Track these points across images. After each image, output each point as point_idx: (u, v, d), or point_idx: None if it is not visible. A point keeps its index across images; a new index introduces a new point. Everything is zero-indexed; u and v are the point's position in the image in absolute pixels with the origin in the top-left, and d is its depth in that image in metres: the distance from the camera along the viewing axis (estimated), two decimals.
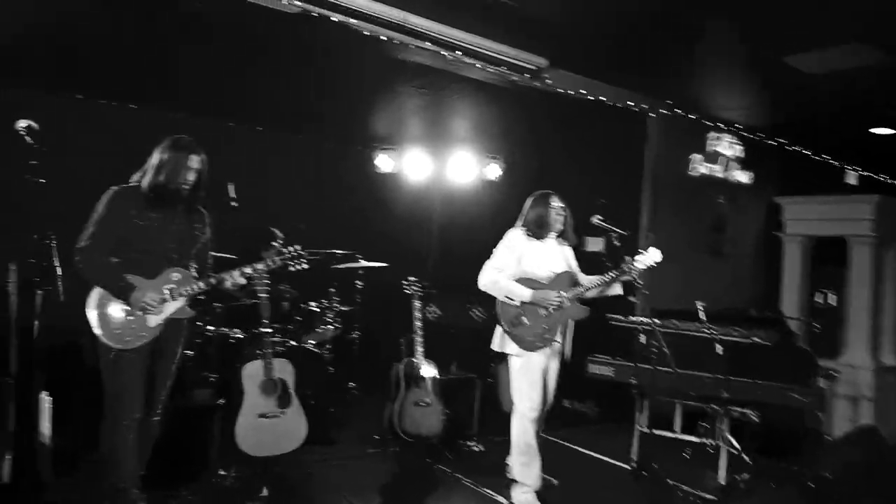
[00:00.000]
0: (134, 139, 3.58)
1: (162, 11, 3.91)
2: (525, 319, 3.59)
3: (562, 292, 3.60)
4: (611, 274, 3.64)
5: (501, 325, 3.65)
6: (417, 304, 4.51)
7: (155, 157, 2.96)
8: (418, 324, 4.44)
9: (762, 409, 4.27)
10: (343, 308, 5.25)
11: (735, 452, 4.26)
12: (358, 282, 5.49)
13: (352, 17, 4.08)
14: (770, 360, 4.42)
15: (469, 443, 4.73)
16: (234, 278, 3.05)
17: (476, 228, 6.73)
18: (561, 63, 4.97)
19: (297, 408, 3.75)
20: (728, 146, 6.28)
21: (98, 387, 2.87)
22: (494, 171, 6.82)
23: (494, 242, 6.01)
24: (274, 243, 4.95)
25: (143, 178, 2.95)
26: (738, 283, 6.67)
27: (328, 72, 4.99)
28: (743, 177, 6.48)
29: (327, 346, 5.04)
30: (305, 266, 3.14)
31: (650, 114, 5.78)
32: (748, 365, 4.29)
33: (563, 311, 3.62)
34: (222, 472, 3.64)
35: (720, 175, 6.30)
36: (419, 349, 4.37)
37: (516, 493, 3.67)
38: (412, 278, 4.55)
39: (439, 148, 6.77)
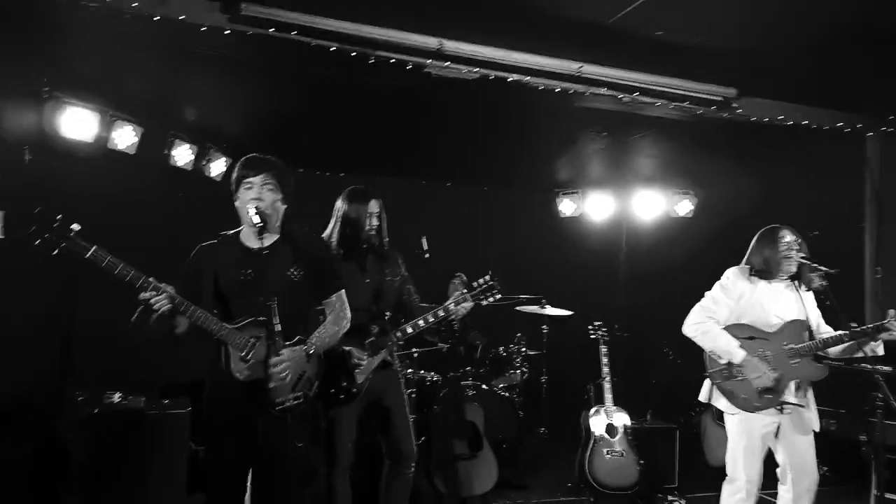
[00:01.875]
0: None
1: (358, 91, 4.46)
2: (739, 375, 3.14)
3: (789, 345, 3.12)
4: (864, 328, 2.97)
5: (710, 377, 3.25)
6: (604, 349, 4.43)
7: (338, 211, 3.17)
8: (606, 369, 4.35)
9: None
10: (530, 353, 5.33)
11: None
12: (544, 327, 5.54)
13: (525, 75, 4.28)
14: None
15: (670, 497, 4.46)
16: (467, 305, 3.01)
17: (666, 270, 6.47)
18: (751, 90, 4.67)
19: (488, 450, 3.87)
20: None
21: None
22: (685, 206, 6.51)
23: (686, 281, 5.71)
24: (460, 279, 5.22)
25: (331, 234, 3.16)
26: None
27: (509, 127, 5.24)
28: None
29: (516, 390, 5.14)
30: (497, 297, 3.05)
31: (867, 133, 5.13)
32: None
33: (793, 368, 3.12)
34: None
35: None
36: (608, 396, 4.27)
37: None
38: (597, 322, 4.49)
39: (623, 188, 6.66)
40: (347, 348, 2.94)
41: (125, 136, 4.46)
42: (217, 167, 5.26)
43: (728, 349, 3.13)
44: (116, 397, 3.79)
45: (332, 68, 3.99)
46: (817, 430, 3.23)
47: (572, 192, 6.74)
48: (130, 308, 2.85)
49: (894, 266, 5.12)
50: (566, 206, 6.75)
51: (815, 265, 3.11)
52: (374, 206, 3.14)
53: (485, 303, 3.06)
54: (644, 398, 5.47)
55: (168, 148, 4.86)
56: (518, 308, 5.32)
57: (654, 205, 6.54)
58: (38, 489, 3.59)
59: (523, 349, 5.25)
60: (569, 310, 5.34)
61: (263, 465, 2.45)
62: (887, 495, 4.00)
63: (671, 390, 5.52)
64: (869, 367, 2.76)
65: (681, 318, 5.74)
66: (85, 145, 4.17)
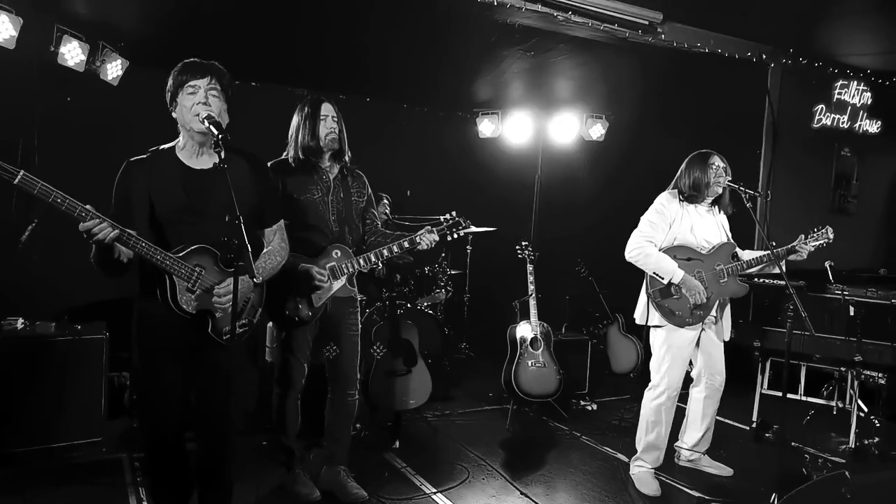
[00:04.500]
0: (256, 115, 3.69)
1: None
2: (677, 293, 3.34)
3: (721, 266, 3.37)
4: (780, 250, 3.33)
5: (650, 297, 3.41)
6: (530, 268, 4.58)
7: (292, 127, 3.00)
8: (532, 287, 4.52)
9: (891, 372, 4.08)
10: (454, 272, 5.42)
11: (863, 416, 4.12)
12: (468, 247, 5.62)
13: None
14: None
15: (582, 402, 4.84)
16: (407, 245, 2.94)
17: (580, 190, 6.71)
18: (676, 16, 4.79)
19: (422, 366, 3.96)
20: (856, 94, 5.85)
21: None
22: (598, 130, 6.71)
23: (597, 203, 5.94)
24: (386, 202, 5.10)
25: (288, 150, 2.99)
26: (864, 242, 6.28)
27: (437, 41, 5.05)
28: (872, 126, 6.03)
29: (440, 308, 5.24)
30: (461, 233, 3.03)
31: (770, 64, 5.46)
32: (883, 326, 4.08)
33: (721, 287, 3.38)
34: (358, 426, 3.93)
35: (846, 126, 5.89)
36: (534, 311, 4.46)
37: (633, 466, 3.57)
38: (524, 242, 4.61)
39: (543, 110, 6.72)
40: (305, 266, 2.82)
41: (2, 28, 3.85)
42: (113, 70, 4.71)
43: (670, 269, 3.32)
44: (19, 323, 3.44)
45: None
46: (727, 339, 3.59)
47: (492, 113, 6.72)
48: (24, 227, 2.55)
49: (782, 191, 5.63)
50: (486, 127, 6.73)
51: (741, 188, 3.33)
52: (327, 108, 2.97)
53: (449, 238, 3.04)
54: (560, 313, 5.79)
55: (55, 44, 4.26)
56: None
57: (569, 128, 6.67)
58: None
59: (448, 269, 5.33)
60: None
61: (208, 392, 2.38)
62: (768, 391, 4.59)
63: (583, 305, 5.88)
64: (784, 282, 3.04)
65: (592, 236, 6.09)
66: None
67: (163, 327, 2.28)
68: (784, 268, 3.25)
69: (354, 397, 3.12)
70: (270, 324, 3.24)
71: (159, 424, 2.38)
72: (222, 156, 2.10)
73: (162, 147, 2.38)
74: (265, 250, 2.51)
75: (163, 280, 2.23)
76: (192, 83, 2.28)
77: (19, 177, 1.95)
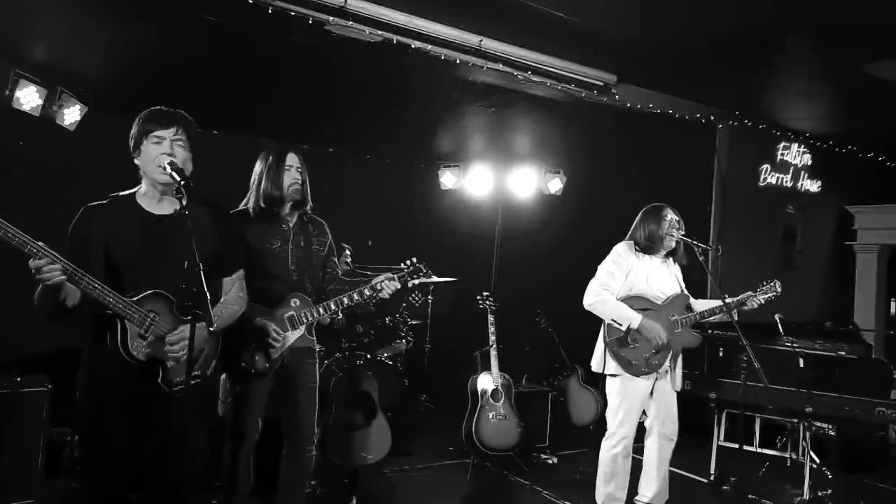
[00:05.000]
0: (216, 163, 3.68)
1: (240, 41, 4.13)
2: (634, 343, 3.40)
3: (676, 317, 3.45)
4: (731, 301, 3.42)
5: (606, 346, 3.45)
6: (491, 318, 4.59)
7: (255, 173, 2.96)
8: (493, 337, 4.52)
9: (841, 424, 4.18)
10: (414, 322, 5.38)
11: (816, 467, 4.20)
12: (429, 297, 5.62)
13: (428, 43, 4.24)
14: (852, 373, 4.33)
15: (543, 455, 4.79)
16: (367, 293, 2.90)
17: (540, 242, 6.82)
18: (630, 78, 5.03)
19: (382, 419, 3.88)
20: (797, 155, 6.19)
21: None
22: (556, 185, 6.88)
23: (556, 255, 6.02)
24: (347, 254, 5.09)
25: (249, 199, 2.95)
26: (810, 295, 6.54)
27: (400, 95, 5.17)
28: (813, 186, 6.37)
29: (400, 358, 5.17)
30: (423, 279, 2.99)
31: (718, 125, 5.76)
32: (831, 379, 4.21)
33: (676, 337, 3.45)
34: (313, 482, 3.80)
35: (790, 185, 6.21)
36: (495, 362, 4.45)
37: None
38: (486, 293, 4.63)
39: (502, 164, 6.88)
40: (262, 321, 2.76)
41: None
42: (71, 115, 4.63)
43: (628, 315, 3.38)
44: None
45: (224, 14, 3.66)
46: (679, 389, 3.64)
47: (454, 166, 6.83)
48: None
49: (730, 245, 5.85)
50: (447, 179, 6.83)
51: (693, 242, 3.45)
52: (292, 159, 2.93)
53: (410, 284, 3.01)
54: (519, 364, 5.78)
55: (10, 88, 4.18)
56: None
57: (528, 182, 6.82)
58: None
59: (408, 319, 5.29)
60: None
61: (157, 447, 2.26)
62: (724, 443, 4.64)
63: (543, 356, 5.89)
64: (736, 333, 3.12)
65: (551, 288, 6.16)
66: None
67: (112, 376, 2.19)
68: (735, 317, 3.34)
69: (312, 453, 3.01)
70: (224, 376, 3.13)
71: (105, 481, 2.25)
72: (184, 202, 2.07)
73: (122, 193, 2.34)
74: (222, 299, 2.46)
75: (114, 325, 2.16)
76: (157, 133, 2.26)
77: None
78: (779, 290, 3.52)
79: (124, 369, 2.17)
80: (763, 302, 3.51)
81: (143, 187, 2.34)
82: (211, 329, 2.23)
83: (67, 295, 2.11)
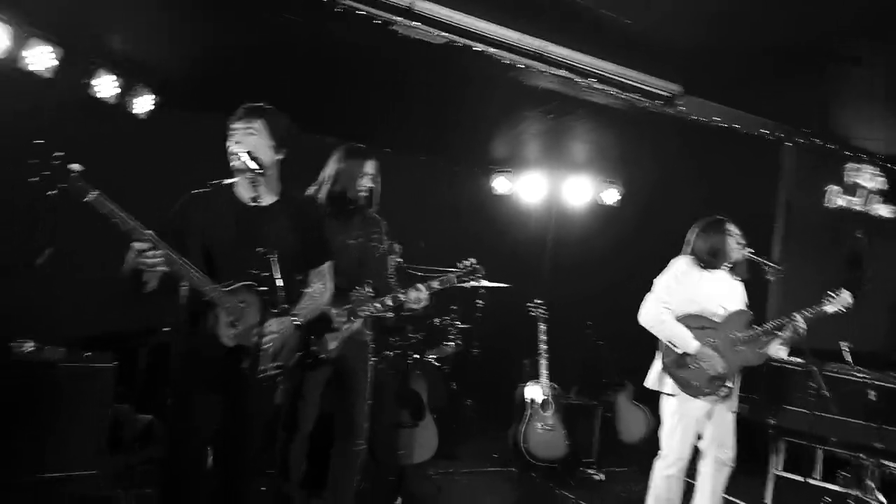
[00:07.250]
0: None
1: (303, 43, 4.20)
2: (692, 364, 3.25)
3: (736, 334, 3.31)
4: (798, 316, 3.30)
5: (664, 364, 3.32)
6: (542, 326, 4.53)
7: (330, 167, 3.00)
8: (543, 346, 4.46)
9: None
10: (463, 325, 5.36)
11: None
12: (479, 301, 5.59)
13: (491, 46, 4.22)
14: None
15: (589, 470, 4.69)
16: (420, 295, 2.96)
17: (593, 251, 6.72)
18: (695, 90, 4.90)
19: (430, 420, 3.87)
20: (869, 178, 5.91)
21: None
22: (612, 195, 6.78)
23: (609, 266, 5.90)
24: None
25: (319, 189, 3.00)
26: (878, 325, 6.23)
27: (459, 98, 5.17)
28: (884, 210, 6.07)
29: (448, 361, 5.15)
30: (479, 280, 3.05)
31: (786, 143, 5.56)
32: None
33: (738, 355, 3.30)
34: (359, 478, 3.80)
35: (859, 208, 5.94)
36: (544, 371, 4.39)
37: None
38: (538, 301, 4.58)
39: (557, 171, 6.82)
40: (325, 308, 2.79)
41: (41, 57, 3.97)
42: (142, 104, 4.81)
43: (683, 340, 3.25)
44: (28, 346, 3.38)
45: (294, 9, 3.73)
46: (735, 411, 3.49)
47: (507, 171, 6.81)
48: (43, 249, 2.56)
49: (793, 267, 5.61)
50: (500, 184, 6.81)
51: (761, 259, 3.31)
52: (370, 166, 3.00)
53: (468, 285, 3.08)
54: (568, 375, 5.69)
55: (89, 76, 4.37)
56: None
57: (582, 191, 6.75)
58: None
59: (457, 322, 5.27)
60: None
61: (232, 431, 2.33)
62: (780, 473, 4.43)
63: (593, 369, 5.78)
64: (805, 360, 2.99)
65: (603, 298, 6.05)
66: None
67: (199, 360, 2.31)
68: (802, 331, 3.21)
69: (362, 446, 3.03)
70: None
71: (183, 456, 2.35)
72: (262, 199, 2.18)
73: (224, 182, 2.45)
74: (307, 291, 2.52)
75: (207, 311, 2.26)
76: (232, 126, 2.41)
77: (93, 196, 2.05)
78: (850, 301, 3.31)
79: (211, 352, 2.27)
80: (831, 311, 3.33)
81: (237, 177, 2.45)
82: (296, 323, 2.33)
83: (150, 280, 2.20)
